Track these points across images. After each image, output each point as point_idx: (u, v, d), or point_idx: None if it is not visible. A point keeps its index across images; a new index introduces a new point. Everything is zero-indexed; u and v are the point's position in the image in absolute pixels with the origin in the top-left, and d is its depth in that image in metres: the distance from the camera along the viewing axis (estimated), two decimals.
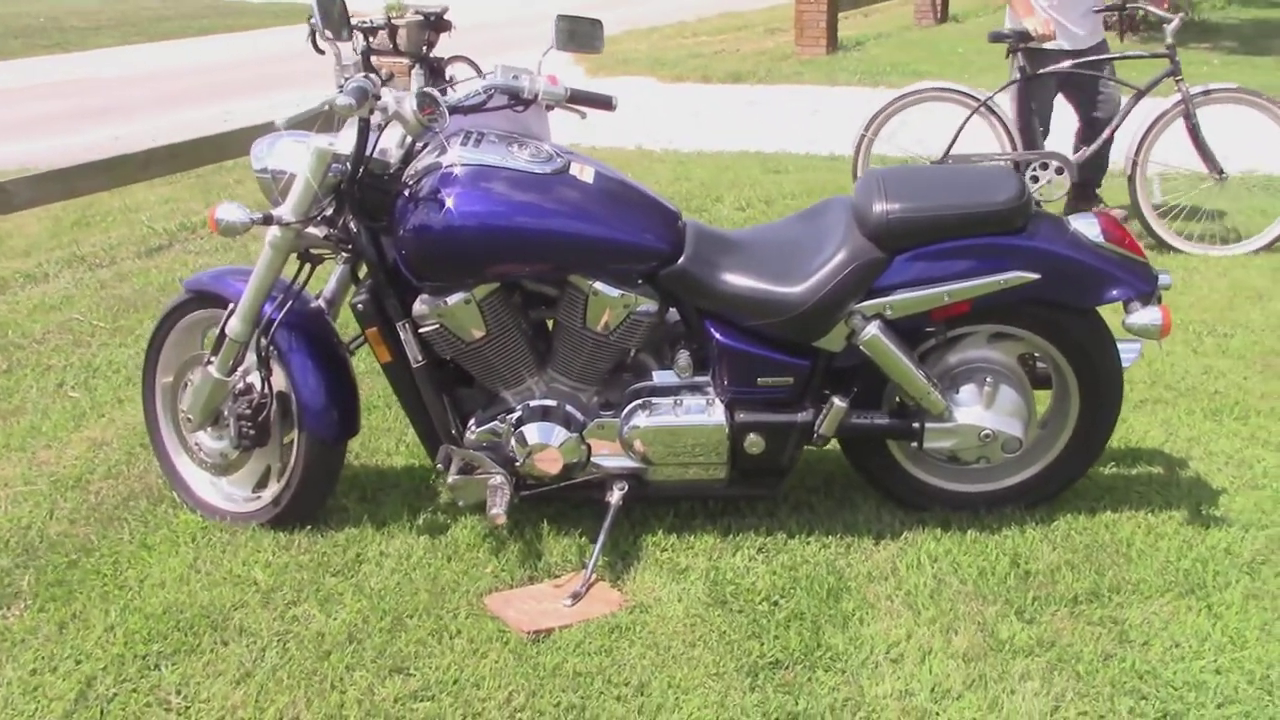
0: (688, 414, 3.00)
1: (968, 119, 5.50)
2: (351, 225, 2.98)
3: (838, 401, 2.97)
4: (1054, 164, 5.34)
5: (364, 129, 2.83)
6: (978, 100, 5.45)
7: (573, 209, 2.88)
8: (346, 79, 2.79)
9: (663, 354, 3.10)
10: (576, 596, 2.86)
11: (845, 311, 2.88)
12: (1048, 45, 5.32)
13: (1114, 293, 2.90)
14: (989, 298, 2.88)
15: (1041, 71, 5.39)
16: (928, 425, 3.00)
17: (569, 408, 3.06)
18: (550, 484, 3.09)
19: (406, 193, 2.89)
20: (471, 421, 3.11)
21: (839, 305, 2.87)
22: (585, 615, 2.81)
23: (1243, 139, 5.76)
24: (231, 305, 3.09)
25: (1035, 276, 2.86)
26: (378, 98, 2.81)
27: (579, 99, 3.06)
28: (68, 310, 5.23)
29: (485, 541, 3.13)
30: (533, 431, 3.01)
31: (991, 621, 2.74)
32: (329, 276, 3.19)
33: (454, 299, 2.92)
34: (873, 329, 2.88)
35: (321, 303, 3.18)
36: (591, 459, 3.07)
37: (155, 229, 6.65)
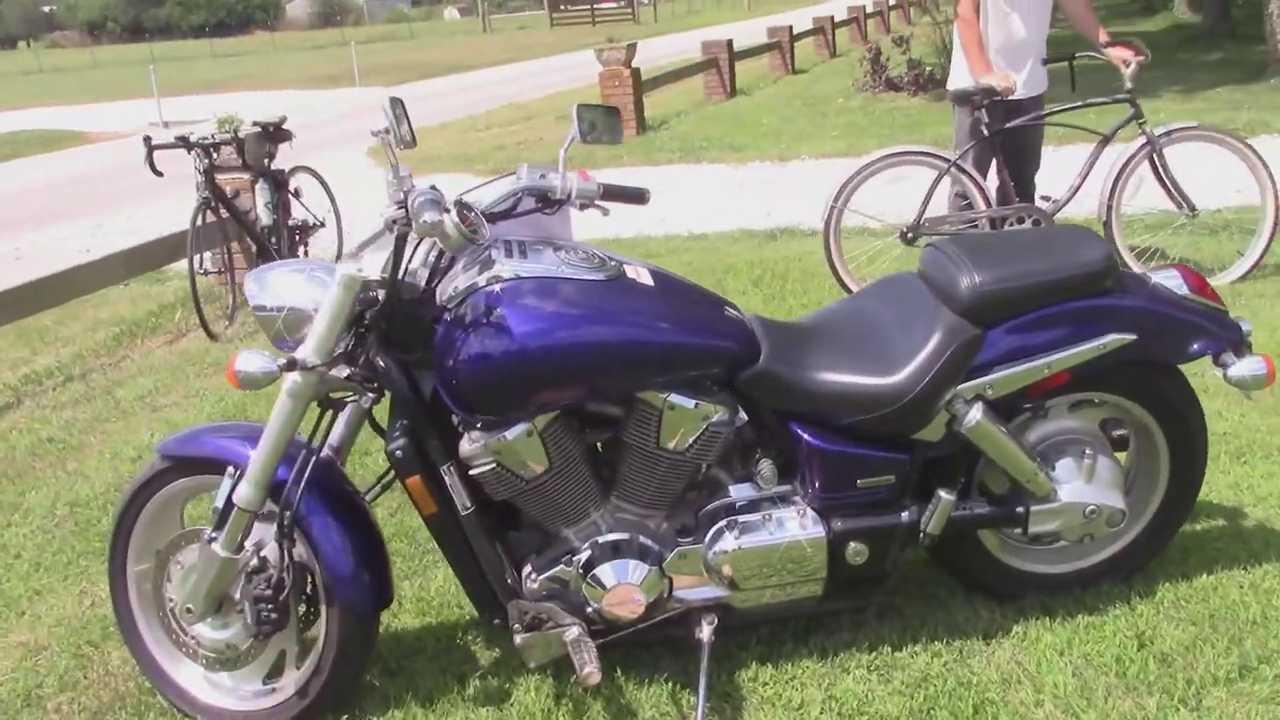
0: (782, 529, 2.69)
1: (938, 180, 5.41)
2: (379, 361, 2.58)
3: (944, 495, 2.71)
4: (1031, 217, 5.30)
5: (400, 248, 2.45)
6: (946, 161, 5.38)
7: (641, 316, 2.56)
8: (406, 193, 2.39)
9: (733, 466, 2.79)
10: None
11: (946, 397, 2.65)
12: (1011, 98, 5.27)
13: (1207, 346, 2.77)
14: (1088, 365, 2.70)
15: (1009, 125, 5.34)
16: (1033, 509, 2.78)
17: (642, 539, 2.71)
18: (628, 628, 2.72)
19: (450, 316, 2.51)
20: (528, 570, 2.72)
21: (941, 391, 2.63)
22: None
23: (1208, 175, 5.86)
24: (233, 469, 2.63)
25: (1133, 337, 2.70)
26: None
27: (611, 194, 2.75)
28: None
29: (561, 705, 2.73)
30: (607, 571, 2.64)
31: (1159, 715, 2.51)
32: (328, 423, 2.74)
33: (514, 432, 2.55)
34: (976, 413, 2.65)
35: (328, 453, 2.74)
36: (673, 593, 2.72)
37: None
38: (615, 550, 2.68)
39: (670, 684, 2.76)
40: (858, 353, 2.69)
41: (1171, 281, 2.80)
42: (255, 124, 6.83)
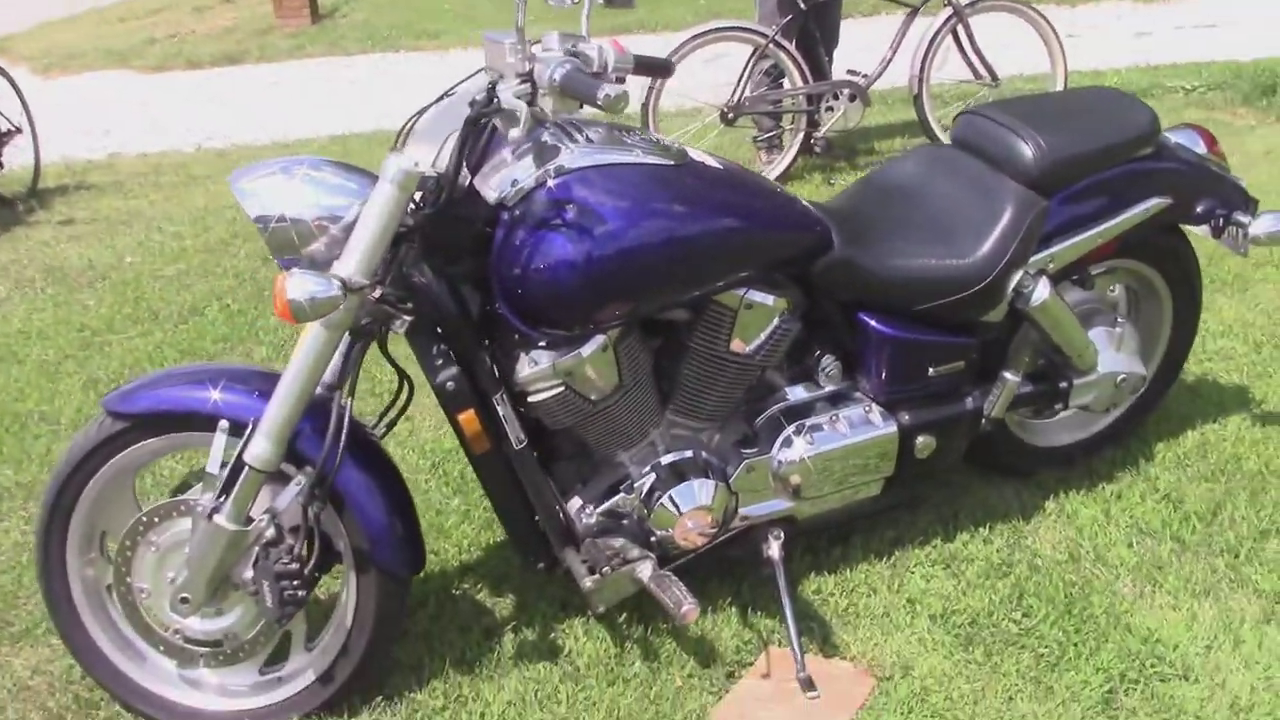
0: (853, 429, 2.46)
1: (754, 56, 5.16)
2: (414, 276, 2.11)
3: (1010, 377, 2.58)
4: (847, 92, 5.18)
5: (472, 135, 1.98)
6: (764, 37, 5.13)
7: (724, 204, 2.22)
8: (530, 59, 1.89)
9: (785, 367, 2.53)
10: (808, 685, 2.26)
11: (1019, 275, 2.49)
12: None
13: (1225, 206, 2.75)
14: (1133, 231, 2.62)
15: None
16: (1075, 383, 2.71)
17: (704, 455, 2.42)
18: (690, 554, 2.44)
19: (511, 216, 2.08)
20: (577, 505, 2.37)
21: (1017, 268, 2.47)
22: (855, 703, 2.25)
23: (1009, 45, 5.90)
24: (226, 423, 2.10)
25: (1170, 201, 2.65)
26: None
27: (642, 66, 2.36)
28: None
29: (626, 648, 2.42)
30: (677, 495, 2.33)
31: (1232, 573, 2.54)
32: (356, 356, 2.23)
33: (590, 348, 2.17)
34: (1044, 289, 2.51)
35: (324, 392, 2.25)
36: (738, 510, 2.45)
37: None
38: (678, 472, 2.37)
39: (739, 609, 2.51)
40: (929, 234, 2.48)
41: (1189, 141, 2.76)
42: None
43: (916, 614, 2.48)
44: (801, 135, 5.40)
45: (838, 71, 5.51)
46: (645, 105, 5.23)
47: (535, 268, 2.07)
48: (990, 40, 5.62)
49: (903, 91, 5.76)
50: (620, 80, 2.17)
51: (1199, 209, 2.73)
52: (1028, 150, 2.48)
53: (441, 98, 2.19)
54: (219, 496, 2.10)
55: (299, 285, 1.89)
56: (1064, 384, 2.70)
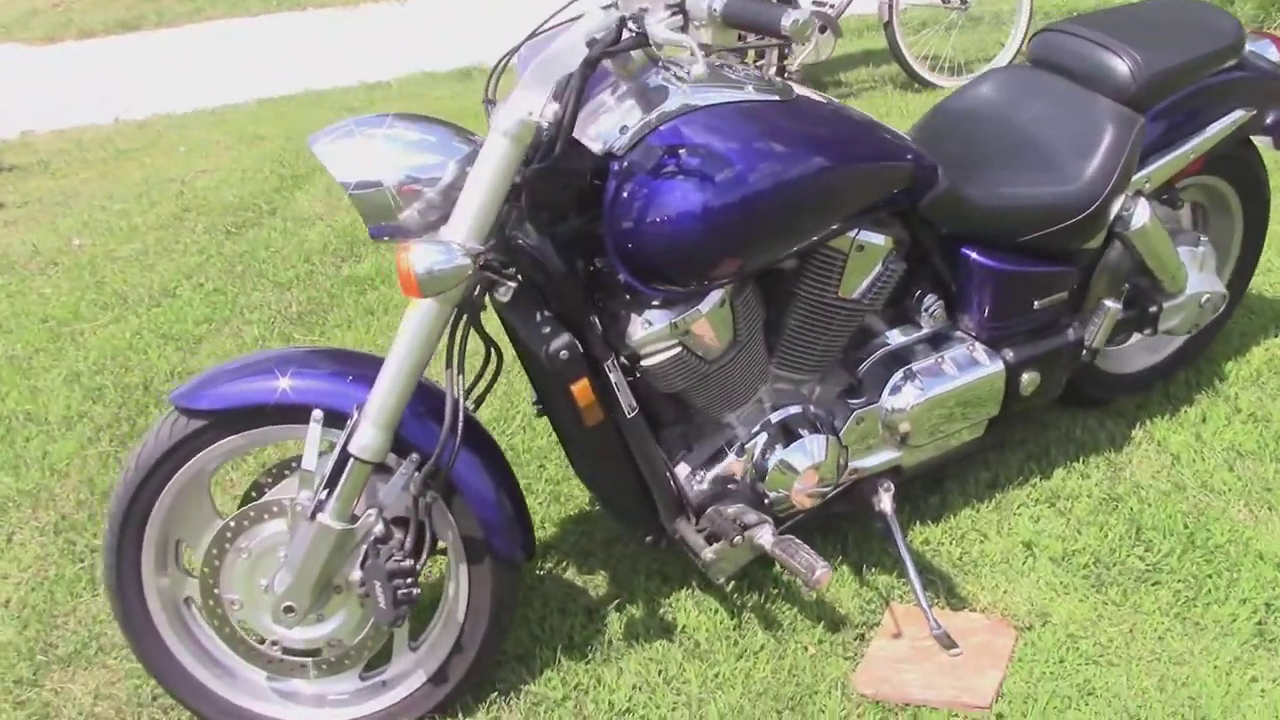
0: (961, 370, 2.34)
1: None
2: (521, 238, 1.93)
3: (1110, 305, 2.48)
4: (817, 23, 5.02)
5: (586, 77, 1.79)
6: None
7: (842, 140, 2.07)
8: None
9: (882, 310, 2.39)
10: (947, 641, 2.16)
11: (1122, 197, 2.39)
12: None
13: None
14: (1221, 145, 2.54)
15: None
16: (1165, 306, 2.62)
17: (812, 410, 2.28)
18: (802, 514, 2.31)
19: (621, 166, 1.91)
20: (685, 472, 2.21)
21: (1121, 191, 2.37)
22: (1003, 657, 2.14)
23: None
24: (320, 414, 1.91)
25: (1254, 112, 2.56)
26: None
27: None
28: None
29: (742, 616, 2.29)
30: (792, 454, 2.20)
31: None
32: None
33: (709, 304, 2.02)
34: (1144, 212, 2.41)
35: None
36: (849, 463, 2.32)
37: None
38: (789, 429, 2.23)
39: (850, 568, 2.39)
40: (1029, 160, 2.35)
41: (1263, 49, 2.67)
42: None
43: (1036, 557, 2.38)
44: (774, 70, 5.24)
45: (804, 2, 5.36)
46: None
47: (654, 220, 1.90)
48: None
49: (868, 19, 5.62)
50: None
51: (1272, 119, 2.65)
52: (1123, 65, 2.37)
53: (532, 35, 2.00)
54: (321, 493, 1.91)
55: (423, 257, 1.70)
56: (1154, 308, 2.61)
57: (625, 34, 1.77)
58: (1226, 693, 2.02)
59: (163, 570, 2.06)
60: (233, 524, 1.98)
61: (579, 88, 1.78)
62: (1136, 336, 2.76)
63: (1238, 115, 2.53)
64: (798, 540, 2.14)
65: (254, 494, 2.15)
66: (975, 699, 2.05)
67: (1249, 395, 2.81)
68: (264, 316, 3.83)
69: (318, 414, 1.92)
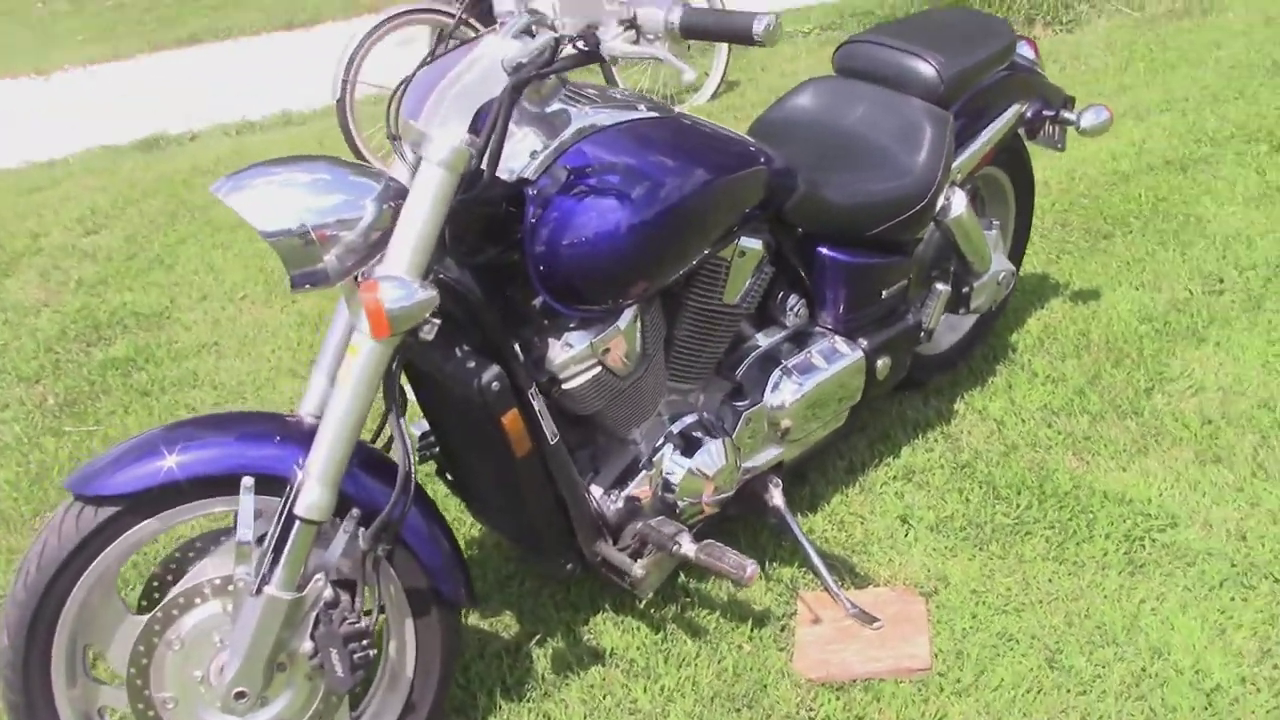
0: (830, 362, 2.47)
1: (449, 35, 4.92)
2: (443, 272, 1.89)
3: (940, 287, 2.68)
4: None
5: (514, 102, 1.77)
6: (453, 16, 4.90)
7: (731, 151, 2.15)
8: None
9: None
10: (866, 618, 2.26)
11: (945, 188, 2.59)
12: None
13: (1056, 107, 2.98)
14: (1006, 137, 2.81)
15: None
16: (975, 285, 2.86)
17: (706, 416, 2.34)
18: (704, 519, 2.36)
19: (537, 190, 1.91)
20: (598, 493, 2.22)
21: (946, 183, 2.57)
22: (922, 620, 2.27)
23: None
24: (250, 480, 1.79)
25: (1027, 105, 2.85)
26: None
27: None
28: None
29: (671, 632, 2.31)
30: (702, 460, 2.25)
31: (1149, 419, 2.80)
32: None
33: (625, 320, 2.05)
34: (961, 200, 2.64)
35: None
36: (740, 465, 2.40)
37: None
38: (690, 438, 2.29)
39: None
40: (867, 159, 2.52)
41: (1025, 51, 2.97)
42: None
43: (914, 528, 2.54)
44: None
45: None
46: (341, 102, 4.92)
47: (574, 241, 1.91)
48: None
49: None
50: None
51: (1035, 112, 2.96)
52: (929, 67, 2.59)
53: (425, 63, 1.96)
54: (263, 564, 1.78)
55: (388, 293, 1.64)
56: (965, 289, 2.85)
57: (560, 55, 1.78)
58: (1123, 616, 2.23)
59: (73, 682, 1.85)
60: (160, 616, 1.81)
61: (506, 114, 1.77)
62: (945, 317, 2.99)
63: (1016, 109, 2.81)
64: (718, 544, 2.19)
65: (156, 587, 1.98)
66: (916, 663, 2.17)
67: (1040, 361, 3.11)
68: (20, 414, 3.48)
69: (248, 481, 1.80)
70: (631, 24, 1.75)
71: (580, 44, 1.77)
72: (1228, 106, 4.81)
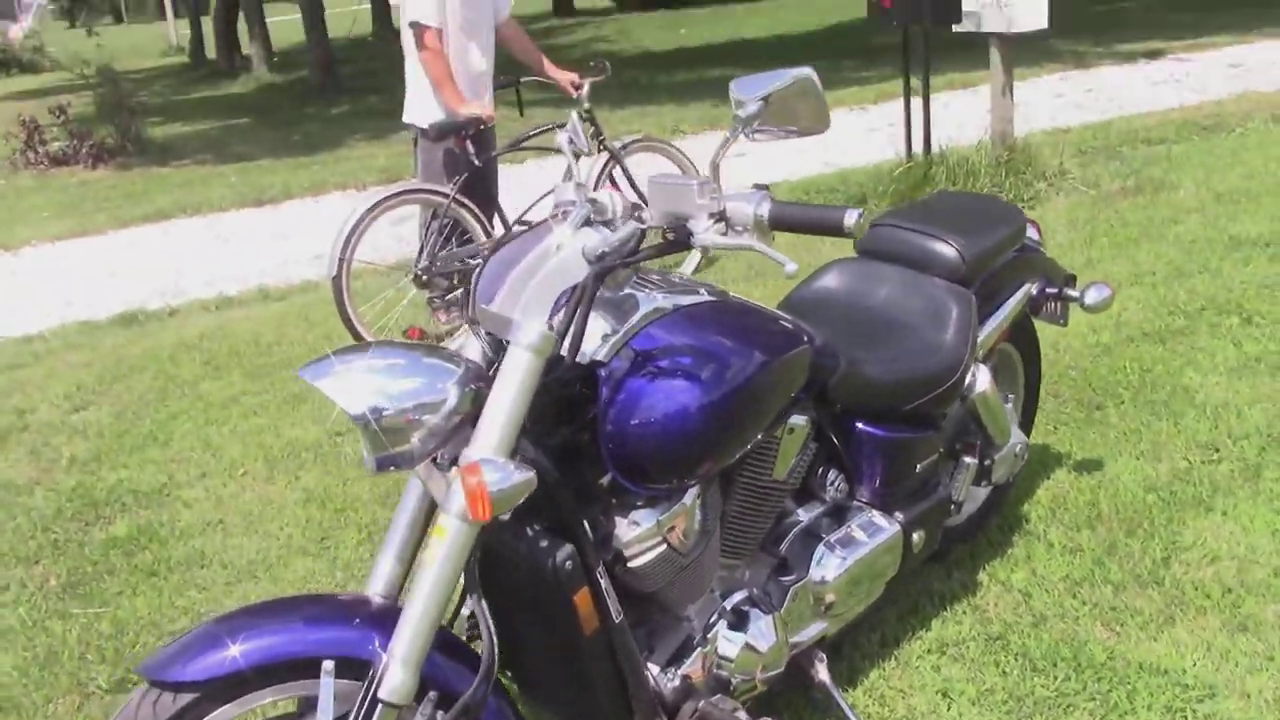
0: (871, 536, 2.50)
1: (438, 216, 5.06)
2: (523, 454, 1.92)
3: (969, 460, 2.75)
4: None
5: (597, 290, 1.84)
6: (445, 196, 5.04)
7: (784, 333, 2.24)
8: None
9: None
10: None
11: (973, 365, 2.69)
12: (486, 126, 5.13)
13: (1052, 285, 3.09)
14: (1019, 314, 2.92)
15: (494, 154, 5.19)
16: (995, 458, 2.92)
17: (755, 591, 2.36)
18: (754, 694, 2.36)
19: (609, 372, 1.97)
20: (655, 670, 2.21)
21: (973, 359, 2.67)
22: None
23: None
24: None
25: (1035, 283, 2.98)
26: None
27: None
28: None
29: None
30: (755, 635, 2.27)
31: (1170, 589, 2.84)
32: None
33: (689, 497, 2.09)
34: (985, 376, 2.73)
35: None
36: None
37: None
38: (741, 614, 2.31)
39: None
40: (898, 337, 2.61)
41: (1031, 233, 3.11)
42: None
43: (956, 702, 2.54)
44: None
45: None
46: (336, 279, 4.97)
47: (645, 422, 1.96)
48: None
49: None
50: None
51: (1041, 289, 3.09)
52: (951, 249, 2.71)
53: (498, 247, 2.03)
54: None
55: (496, 473, 1.68)
56: (988, 461, 2.92)
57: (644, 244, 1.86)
58: None
59: None
60: None
61: (589, 300, 1.84)
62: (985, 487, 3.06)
63: (1027, 287, 2.93)
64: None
65: None
66: None
67: (1055, 532, 3.17)
68: (23, 595, 3.42)
69: (328, 665, 1.78)
70: (721, 216, 1.84)
71: (669, 234, 1.85)
72: (1194, 280, 5.02)
